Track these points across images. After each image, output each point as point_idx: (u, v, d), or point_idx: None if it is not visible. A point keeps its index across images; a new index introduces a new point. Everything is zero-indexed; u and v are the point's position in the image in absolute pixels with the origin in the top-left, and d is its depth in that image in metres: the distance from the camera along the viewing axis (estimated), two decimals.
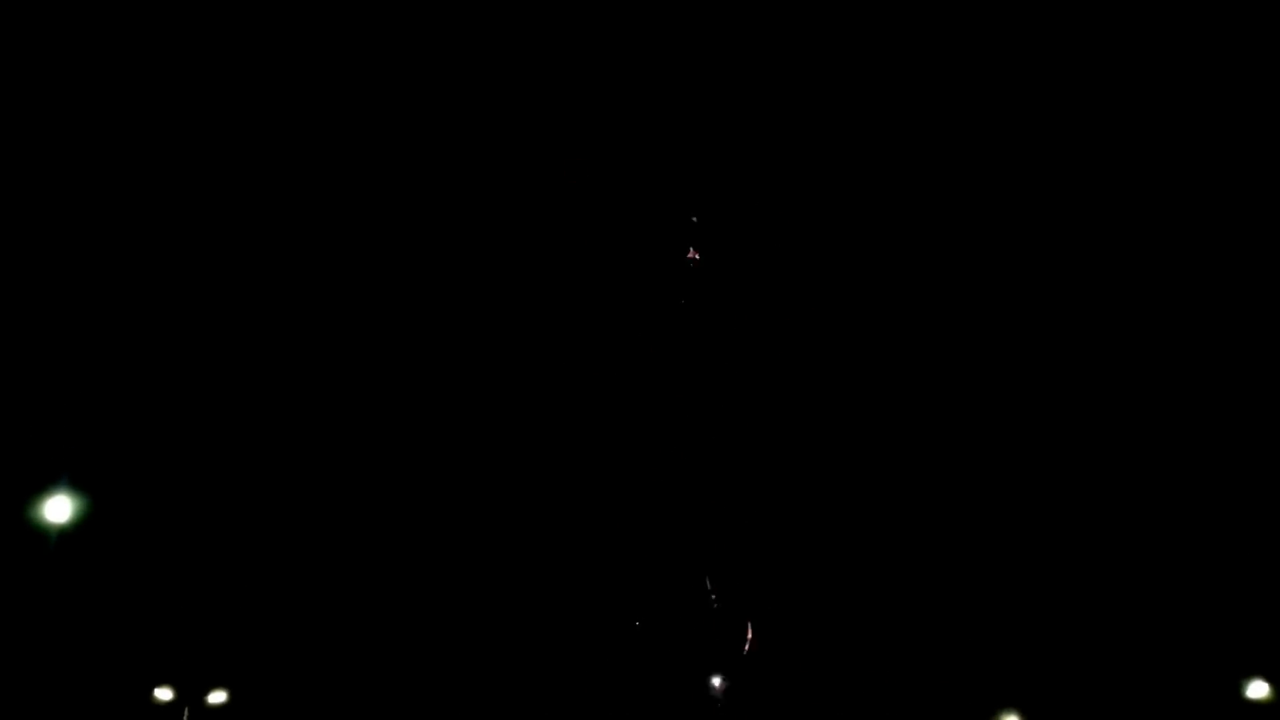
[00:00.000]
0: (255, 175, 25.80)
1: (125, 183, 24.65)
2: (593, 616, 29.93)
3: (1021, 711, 27.43)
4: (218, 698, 28.10)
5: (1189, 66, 25.29)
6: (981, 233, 27.57)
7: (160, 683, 27.30)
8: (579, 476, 29.90)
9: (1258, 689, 25.61)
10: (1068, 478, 28.18)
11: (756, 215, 28.77)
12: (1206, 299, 26.83)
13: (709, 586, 28.73)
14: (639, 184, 28.34)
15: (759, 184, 28.36)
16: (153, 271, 24.98)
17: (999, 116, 26.53)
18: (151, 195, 24.99)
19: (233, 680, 27.98)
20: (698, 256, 28.27)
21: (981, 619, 28.39)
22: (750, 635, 29.21)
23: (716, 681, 28.44)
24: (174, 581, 25.73)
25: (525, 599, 29.82)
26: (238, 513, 27.02)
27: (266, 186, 25.95)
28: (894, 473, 29.58)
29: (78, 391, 24.23)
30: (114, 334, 24.80)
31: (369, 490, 28.22)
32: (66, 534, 20.52)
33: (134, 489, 24.64)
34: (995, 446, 28.55)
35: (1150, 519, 27.58)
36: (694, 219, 27.85)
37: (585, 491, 29.88)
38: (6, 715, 22.48)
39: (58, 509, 20.36)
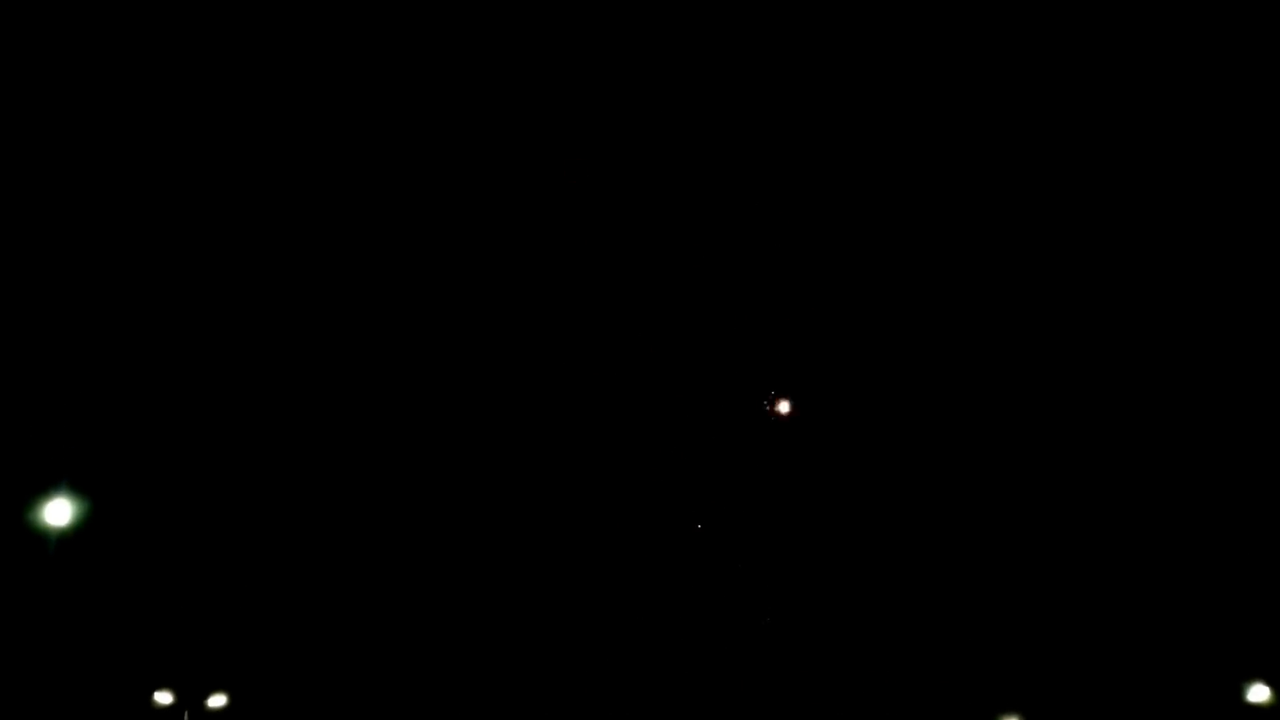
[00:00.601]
0: (254, 175, 25.76)
1: (124, 183, 24.60)
2: (593, 615, 29.88)
3: (1023, 714, 27.38)
4: (218, 701, 28.05)
5: (1189, 66, 25.27)
6: (984, 233, 27.56)
7: (160, 686, 27.24)
8: (580, 476, 29.85)
9: (1259, 693, 25.55)
10: (1069, 478, 28.14)
11: (765, 215, 28.75)
12: (1206, 299, 26.80)
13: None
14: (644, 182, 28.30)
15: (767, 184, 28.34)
16: (152, 272, 24.95)
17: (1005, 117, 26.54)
18: (151, 195, 24.95)
19: (233, 684, 27.92)
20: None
21: (983, 620, 28.33)
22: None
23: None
24: (174, 585, 25.69)
25: (526, 599, 29.75)
26: (237, 516, 26.96)
27: (266, 186, 25.90)
28: (896, 474, 29.54)
29: (77, 395, 24.18)
30: (113, 336, 24.75)
31: (369, 492, 28.16)
32: (66, 538, 20.46)
33: (133, 492, 24.62)
34: (996, 447, 28.51)
35: (1151, 520, 27.53)
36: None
37: (586, 490, 29.82)
38: (7, 719, 22.42)
39: (57, 512, 20.31)
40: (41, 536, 20.43)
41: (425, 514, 29.01)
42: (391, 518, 28.22)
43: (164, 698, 27.63)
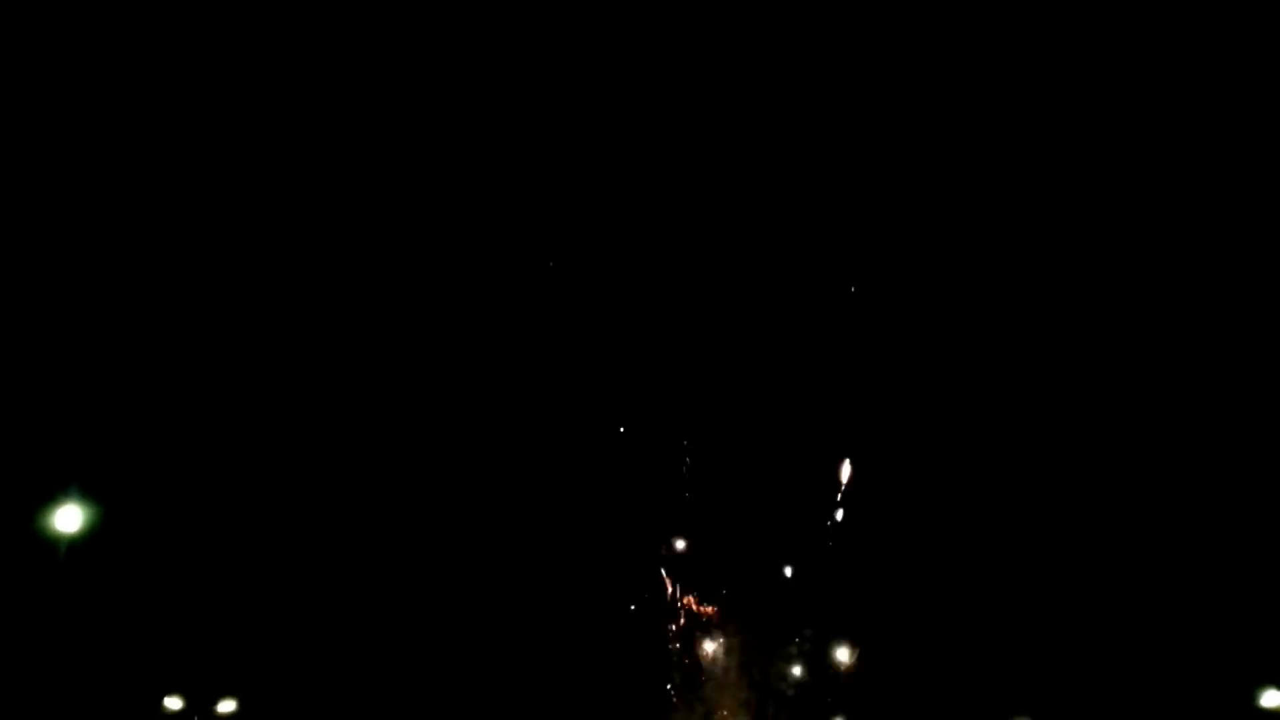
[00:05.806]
0: (254, 179, 25.78)
1: (128, 181, 24.59)
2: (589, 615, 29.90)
3: (1032, 716, 27.28)
4: (227, 707, 28.07)
5: (1189, 66, 25.19)
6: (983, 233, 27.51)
7: (170, 691, 27.29)
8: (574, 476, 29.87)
9: (1272, 698, 25.31)
10: (1078, 484, 28.01)
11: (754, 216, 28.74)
12: (1206, 299, 26.64)
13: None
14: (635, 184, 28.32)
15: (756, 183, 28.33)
16: (157, 283, 24.98)
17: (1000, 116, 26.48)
18: (153, 195, 24.95)
19: (242, 689, 27.96)
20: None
21: (991, 623, 28.23)
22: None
23: None
24: (184, 591, 25.71)
25: (525, 599, 29.76)
26: (247, 523, 26.98)
27: (266, 191, 25.92)
28: (903, 477, 29.49)
29: (84, 401, 24.19)
30: (120, 343, 24.77)
31: (375, 498, 28.18)
32: (76, 544, 20.44)
33: (143, 498, 24.64)
34: (1002, 450, 28.42)
35: (1160, 525, 27.40)
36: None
37: (579, 491, 29.84)
38: None
39: (67, 519, 20.28)
40: (52, 542, 20.42)
41: (425, 520, 29.03)
42: (392, 518, 28.24)
43: (174, 703, 27.67)
